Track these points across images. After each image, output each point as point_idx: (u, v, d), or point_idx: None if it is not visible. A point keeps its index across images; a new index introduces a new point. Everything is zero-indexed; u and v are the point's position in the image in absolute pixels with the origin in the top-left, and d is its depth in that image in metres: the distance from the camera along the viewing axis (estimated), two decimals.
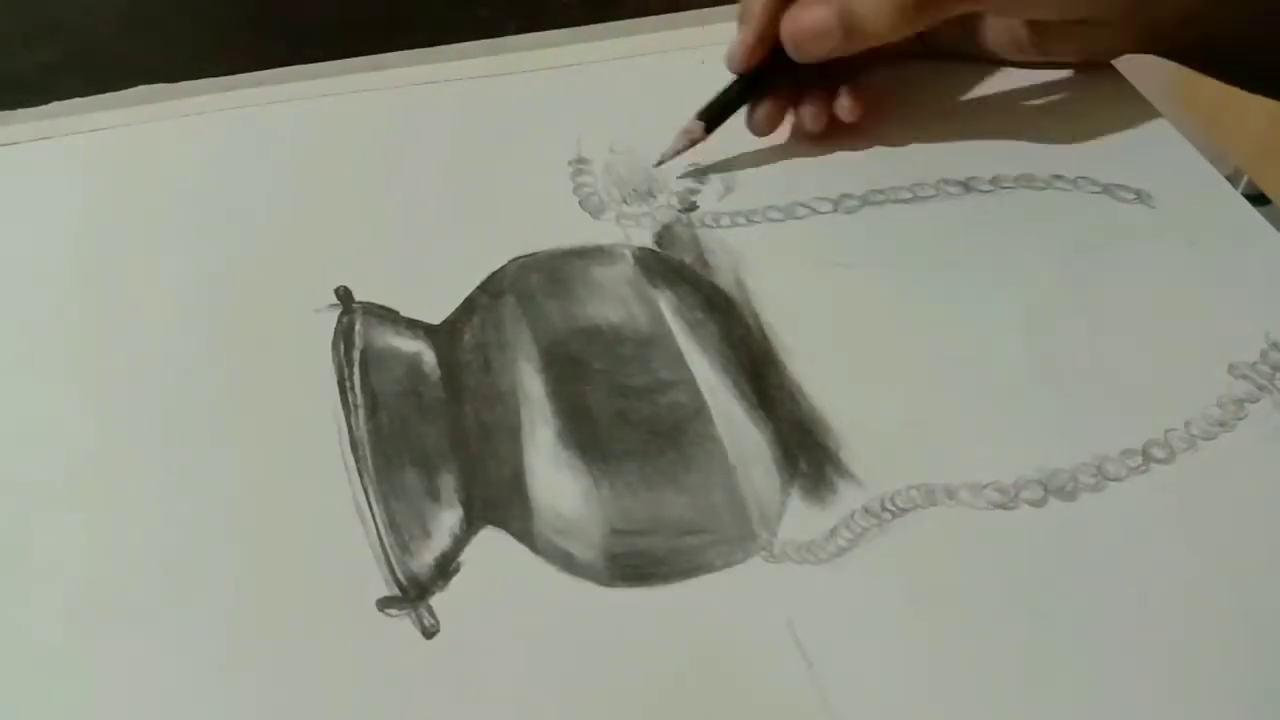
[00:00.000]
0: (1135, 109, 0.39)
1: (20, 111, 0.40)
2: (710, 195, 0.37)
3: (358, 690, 0.25)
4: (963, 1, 0.35)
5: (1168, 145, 0.38)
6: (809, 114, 0.37)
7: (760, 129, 0.37)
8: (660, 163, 0.37)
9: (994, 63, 0.40)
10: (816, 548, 0.27)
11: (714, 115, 0.37)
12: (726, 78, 0.37)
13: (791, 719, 0.24)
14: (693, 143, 0.37)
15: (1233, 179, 0.36)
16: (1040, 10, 0.37)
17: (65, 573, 0.27)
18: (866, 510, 0.28)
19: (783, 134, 0.38)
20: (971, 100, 0.39)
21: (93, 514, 0.28)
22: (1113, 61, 0.40)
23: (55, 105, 0.40)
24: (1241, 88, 0.41)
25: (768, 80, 0.37)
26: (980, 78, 0.40)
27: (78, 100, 0.41)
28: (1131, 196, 0.36)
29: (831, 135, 0.38)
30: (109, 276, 0.35)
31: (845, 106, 0.37)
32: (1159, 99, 0.39)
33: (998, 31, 0.39)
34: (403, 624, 0.26)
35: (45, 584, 0.27)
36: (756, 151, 0.38)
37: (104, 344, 0.32)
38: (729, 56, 0.37)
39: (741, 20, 0.37)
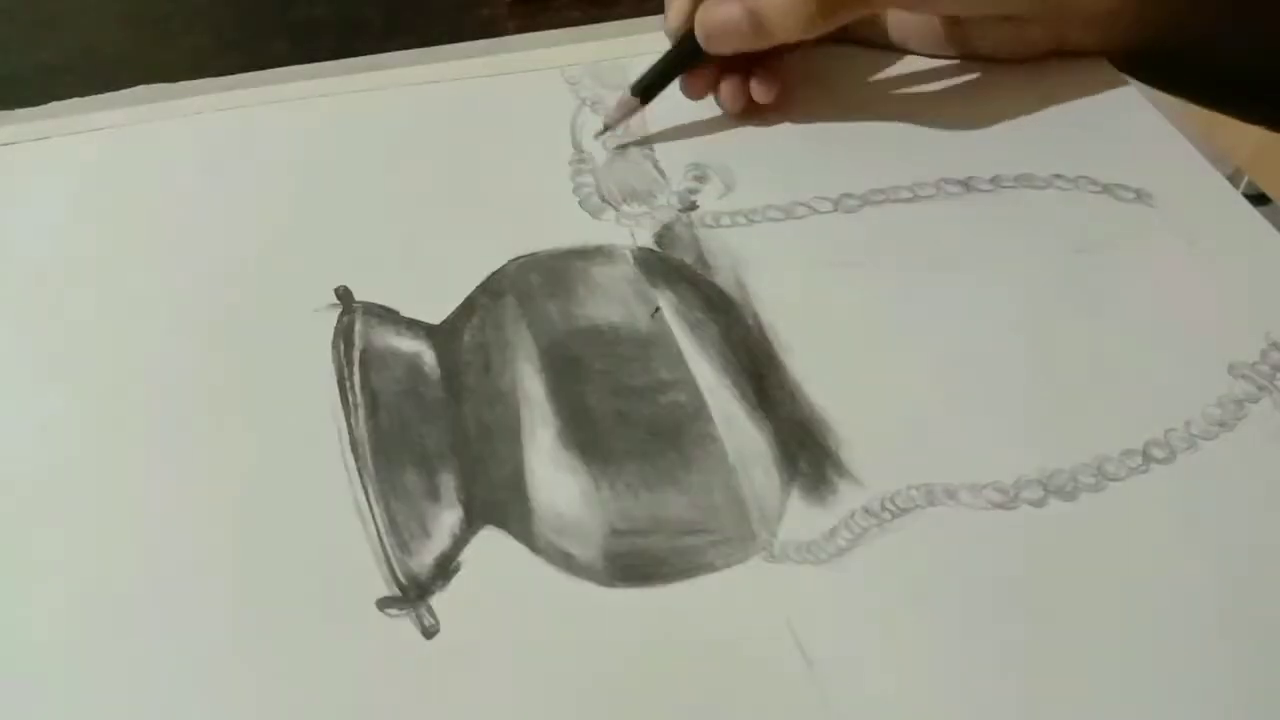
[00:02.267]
0: (1135, 109, 0.39)
1: (20, 111, 0.40)
2: (710, 195, 0.37)
3: (358, 690, 0.25)
4: (865, 5, 0.36)
5: (1168, 145, 0.38)
6: (727, 91, 0.39)
7: (691, 94, 0.39)
8: (603, 131, 0.39)
9: (909, 53, 0.41)
10: (816, 548, 0.27)
11: (648, 87, 0.39)
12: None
13: (791, 719, 0.24)
14: (630, 113, 0.39)
15: (1233, 179, 0.36)
16: (950, 6, 0.38)
17: (64, 572, 0.27)
18: (866, 510, 0.28)
19: (779, 122, 0.39)
20: (971, 100, 0.39)
21: (91, 514, 0.28)
22: (1111, 62, 0.40)
23: (55, 105, 0.40)
24: (1168, 92, 0.41)
25: (700, 55, 0.38)
26: (980, 78, 0.40)
27: (77, 100, 0.41)
28: (1131, 196, 0.36)
29: (766, 111, 0.39)
30: (108, 276, 0.35)
31: (759, 89, 0.39)
32: (1160, 99, 0.39)
33: (913, 25, 0.40)
34: (403, 624, 0.26)
35: (45, 584, 0.27)
36: (757, 151, 0.38)
37: (103, 344, 0.32)
38: (666, 23, 0.38)
39: None
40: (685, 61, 0.38)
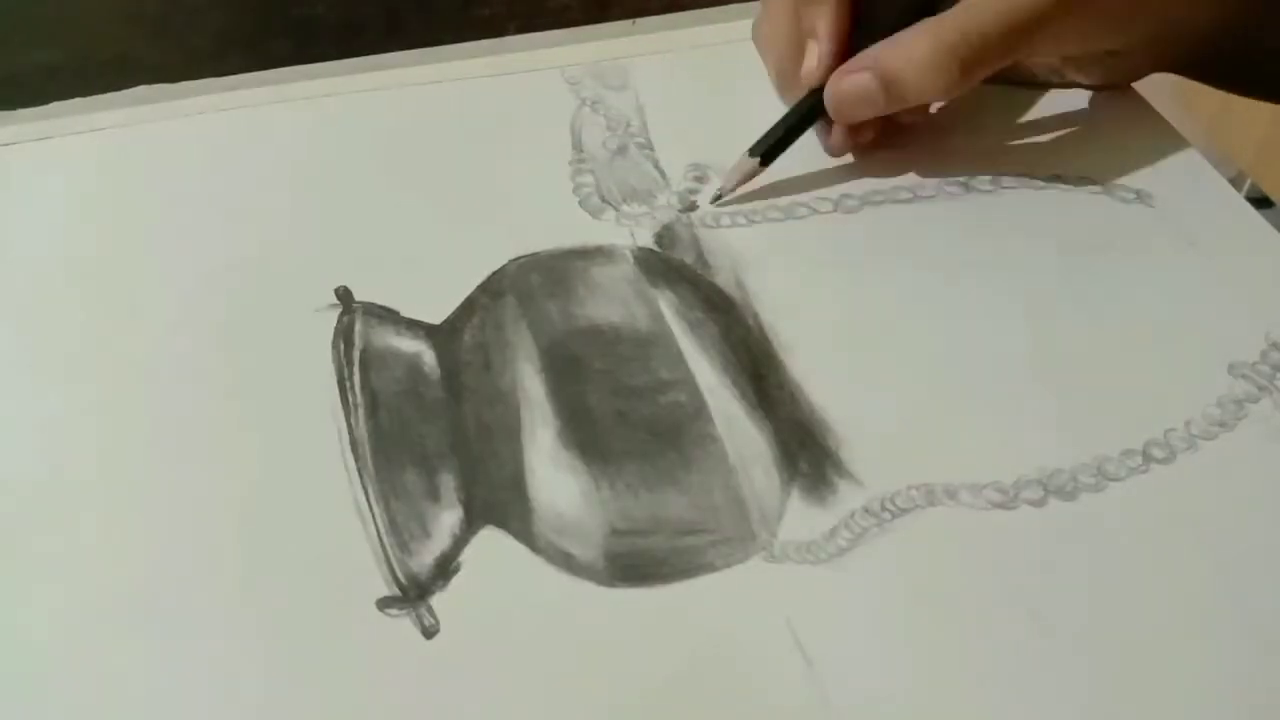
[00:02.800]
0: (1136, 110, 0.39)
1: (20, 111, 0.40)
2: (710, 195, 0.37)
3: (358, 690, 0.25)
4: (1006, 57, 0.34)
5: (1168, 146, 0.38)
6: (858, 142, 0.37)
7: (834, 153, 0.37)
8: (717, 199, 0.36)
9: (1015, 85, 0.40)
10: (816, 548, 0.27)
11: (770, 150, 0.36)
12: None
13: (792, 719, 0.24)
14: (748, 177, 0.36)
15: (1235, 182, 0.36)
16: (1069, 48, 0.37)
17: (63, 574, 0.27)
18: (866, 510, 0.28)
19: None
20: (972, 102, 0.39)
21: (91, 514, 0.28)
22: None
23: (55, 105, 0.40)
24: (1265, 99, 0.41)
25: (820, 108, 0.36)
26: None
27: (78, 100, 0.41)
28: (1131, 197, 0.36)
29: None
30: (109, 276, 0.35)
31: (898, 136, 0.37)
32: (1162, 102, 0.39)
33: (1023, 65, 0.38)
34: (403, 624, 0.26)
35: (43, 584, 0.27)
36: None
37: (103, 344, 0.32)
38: (806, 74, 0.36)
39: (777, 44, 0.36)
40: (812, 119, 0.36)
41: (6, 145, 0.39)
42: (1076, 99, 0.39)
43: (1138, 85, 0.40)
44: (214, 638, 0.26)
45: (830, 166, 0.37)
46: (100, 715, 0.25)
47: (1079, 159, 0.37)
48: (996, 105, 0.39)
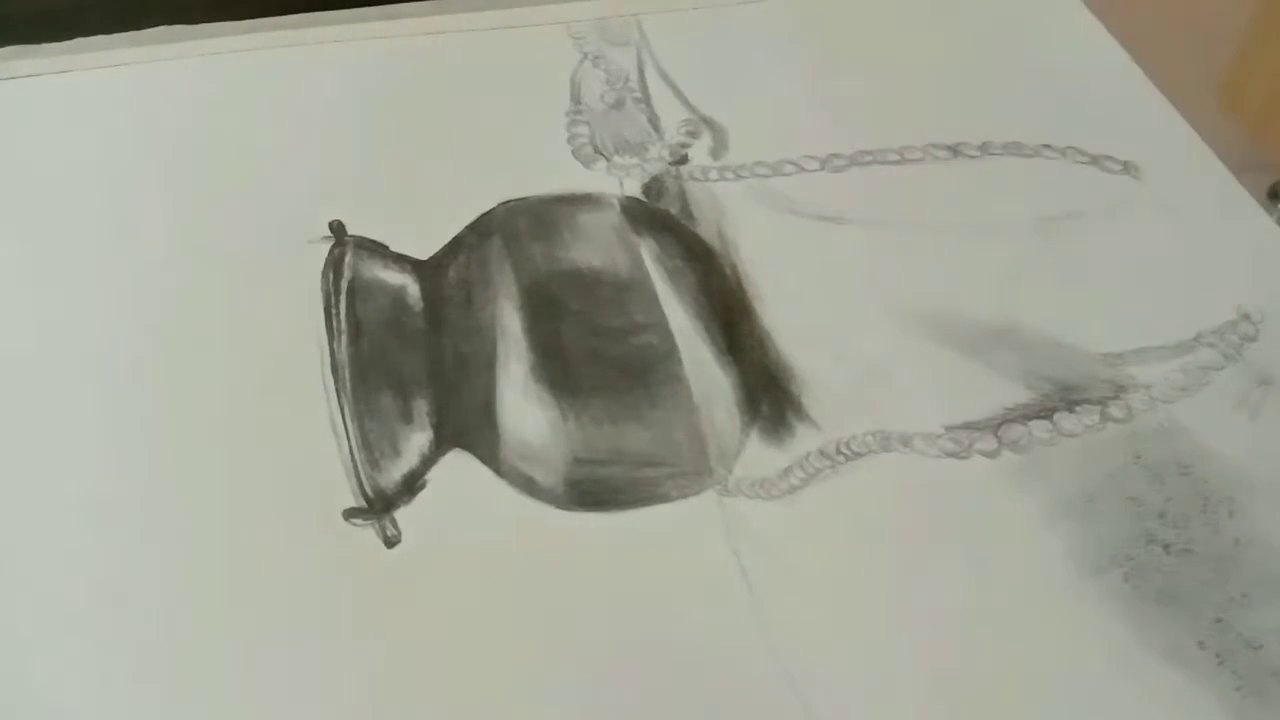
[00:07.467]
0: (1132, 84, 0.39)
1: (45, 45, 0.42)
2: (701, 150, 0.37)
3: (318, 593, 0.26)
4: None
5: (1161, 119, 0.38)
6: None
7: None
8: None
9: None
10: (769, 484, 0.28)
11: None
12: None
13: (728, 640, 0.25)
14: None
15: (1277, 187, 0.37)
16: None
17: (50, 465, 0.29)
18: (821, 452, 0.29)
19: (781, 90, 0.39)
20: (965, 67, 0.40)
21: (83, 408, 0.30)
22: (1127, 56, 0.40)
23: (79, 41, 0.42)
24: None
25: None
26: (976, 46, 0.41)
27: (100, 37, 0.42)
28: (1119, 168, 0.36)
29: None
30: (119, 200, 0.36)
31: None
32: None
33: None
34: (366, 534, 0.27)
35: (32, 482, 0.28)
36: (751, 110, 0.39)
37: (111, 261, 0.34)
38: None
39: None
40: None
41: (31, 77, 0.41)
42: (1075, 71, 0.40)
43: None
44: (180, 536, 0.27)
45: (821, 127, 0.38)
46: (72, 609, 0.26)
47: (1070, 129, 0.37)
48: (991, 72, 0.39)
